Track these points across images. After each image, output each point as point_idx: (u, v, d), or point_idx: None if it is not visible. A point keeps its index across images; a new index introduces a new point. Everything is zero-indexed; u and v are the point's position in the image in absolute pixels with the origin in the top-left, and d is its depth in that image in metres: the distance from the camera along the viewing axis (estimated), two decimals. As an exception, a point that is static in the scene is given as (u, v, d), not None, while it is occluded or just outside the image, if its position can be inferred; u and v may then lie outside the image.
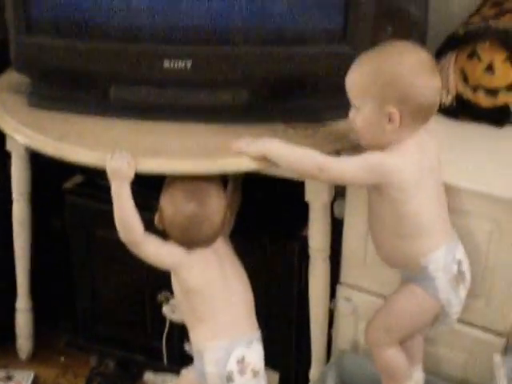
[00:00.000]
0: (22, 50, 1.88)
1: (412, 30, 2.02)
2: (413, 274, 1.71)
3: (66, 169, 2.28)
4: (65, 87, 1.94)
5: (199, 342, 1.83)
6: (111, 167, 1.75)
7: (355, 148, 1.78)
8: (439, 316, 1.73)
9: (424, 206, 1.66)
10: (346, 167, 1.65)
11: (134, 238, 1.77)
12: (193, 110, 1.88)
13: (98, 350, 2.35)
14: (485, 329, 1.87)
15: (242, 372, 1.79)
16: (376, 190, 1.66)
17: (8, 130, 1.96)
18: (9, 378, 2.30)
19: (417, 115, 1.61)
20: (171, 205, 1.79)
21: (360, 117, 1.64)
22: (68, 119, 1.93)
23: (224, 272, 1.85)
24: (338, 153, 1.82)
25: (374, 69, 1.60)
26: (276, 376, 2.18)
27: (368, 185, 1.68)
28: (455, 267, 1.69)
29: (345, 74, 1.72)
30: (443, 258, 1.68)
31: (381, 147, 1.64)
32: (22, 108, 1.98)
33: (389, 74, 1.59)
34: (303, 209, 1.96)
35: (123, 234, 1.77)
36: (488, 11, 2.04)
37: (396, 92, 1.58)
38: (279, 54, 1.80)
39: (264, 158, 1.73)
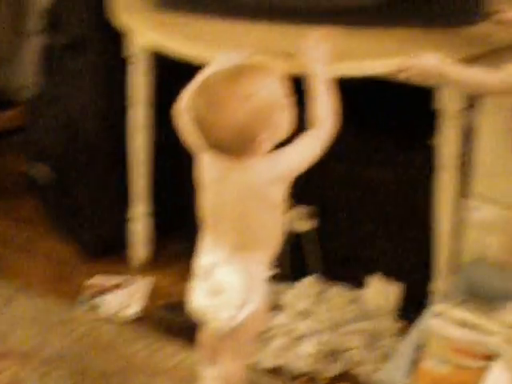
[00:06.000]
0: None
1: None
2: None
3: (183, 75, 2.44)
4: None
5: None
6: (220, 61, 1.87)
7: (494, 52, 1.89)
8: None
9: None
10: None
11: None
12: (326, 12, 1.98)
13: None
14: None
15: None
16: None
17: (137, 32, 2.11)
18: (124, 284, 2.49)
19: None
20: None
21: None
22: (196, 22, 2.05)
23: (219, 194, 1.82)
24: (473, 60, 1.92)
25: None
26: (398, 288, 2.32)
27: None
28: None
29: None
30: None
31: None
32: (148, 10, 2.13)
33: None
34: (425, 117, 2.06)
35: None
36: None
37: None
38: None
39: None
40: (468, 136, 2.06)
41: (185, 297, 2.42)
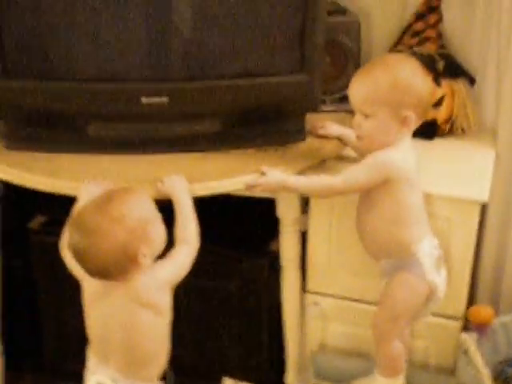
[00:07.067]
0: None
1: (348, 58, 2.47)
2: (403, 261, 2.09)
3: (24, 211, 2.56)
4: (43, 128, 2.21)
5: None
6: (87, 191, 2.04)
7: (320, 164, 2.22)
8: (429, 297, 2.12)
9: (418, 198, 2.07)
10: (359, 175, 2.03)
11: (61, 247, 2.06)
12: (170, 141, 2.22)
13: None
14: (442, 315, 2.31)
15: None
16: (381, 184, 2.03)
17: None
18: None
19: (423, 115, 2.06)
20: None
21: (372, 123, 2.01)
22: (50, 158, 2.20)
23: (105, 313, 1.95)
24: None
25: (391, 80, 1.99)
26: (250, 387, 2.53)
27: (379, 183, 2.03)
28: (436, 252, 2.12)
29: (304, 99, 2.18)
30: (428, 245, 2.09)
31: (384, 148, 2.03)
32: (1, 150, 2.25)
33: (405, 83, 1.99)
34: (265, 224, 2.36)
35: None
36: (410, 40, 2.53)
37: (413, 98, 2.00)
38: (246, 86, 2.18)
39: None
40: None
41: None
